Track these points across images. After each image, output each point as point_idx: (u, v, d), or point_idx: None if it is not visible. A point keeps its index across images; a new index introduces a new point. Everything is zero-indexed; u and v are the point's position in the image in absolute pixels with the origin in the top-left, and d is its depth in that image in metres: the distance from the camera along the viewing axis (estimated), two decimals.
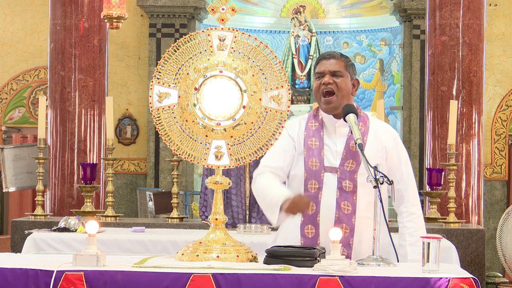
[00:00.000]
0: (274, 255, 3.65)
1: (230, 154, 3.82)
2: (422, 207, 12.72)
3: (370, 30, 14.12)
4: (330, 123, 4.19)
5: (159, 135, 4.49)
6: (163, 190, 11.82)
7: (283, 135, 4.11)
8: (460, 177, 8.27)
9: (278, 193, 4.00)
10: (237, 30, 3.87)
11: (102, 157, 8.64)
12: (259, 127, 3.83)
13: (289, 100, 3.82)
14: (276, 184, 4.10)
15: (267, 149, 3.85)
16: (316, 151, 4.14)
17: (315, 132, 4.18)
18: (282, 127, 3.85)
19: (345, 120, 4.10)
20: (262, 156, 4.01)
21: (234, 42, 3.83)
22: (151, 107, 3.83)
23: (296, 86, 13.98)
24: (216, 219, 3.82)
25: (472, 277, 3.37)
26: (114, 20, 7.53)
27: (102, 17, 7.65)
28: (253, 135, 3.83)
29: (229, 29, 3.85)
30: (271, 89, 3.83)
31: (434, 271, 3.44)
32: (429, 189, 7.25)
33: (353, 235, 4.07)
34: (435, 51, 8.51)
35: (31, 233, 6.13)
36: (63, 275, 3.41)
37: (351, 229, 4.07)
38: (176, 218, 7.03)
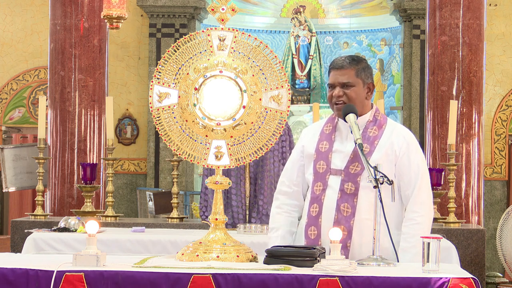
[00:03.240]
0: (274, 255, 3.65)
1: (230, 154, 3.82)
2: None
3: (370, 30, 14.12)
4: (344, 126, 4.21)
5: (159, 135, 4.49)
6: (163, 190, 11.82)
7: (297, 142, 4.38)
8: (460, 177, 8.27)
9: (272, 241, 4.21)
10: (237, 30, 3.87)
11: (102, 157, 8.64)
12: (259, 127, 3.83)
13: (289, 100, 3.82)
14: (277, 224, 4.29)
15: (267, 149, 3.85)
16: (325, 154, 4.17)
17: (328, 135, 4.22)
18: (282, 127, 3.85)
19: (345, 120, 4.10)
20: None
21: (234, 42, 3.83)
22: (151, 107, 3.83)
23: (296, 86, 13.97)
24: (216, 219, 3.82)
25: (472, 277, 3.37)
26: (114, 20, 7.52)
27: (102, 17, 7.65)
28: (253, 135, 3.83)
29: (229, 29, 3.85)
30: (271, 89, 3.83)
31: (434, 271, 3.44)
32: None
33: (351, 237, 4.07)
34: (435, 51, 8.51)
35: (31, 233, 6.13)
36: (63, 275, 3.41)
37: (349, 231, 4.07)
38: (176, 218, 7.03)
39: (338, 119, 4.23)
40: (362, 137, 4.11)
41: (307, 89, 14.01)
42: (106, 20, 7.64)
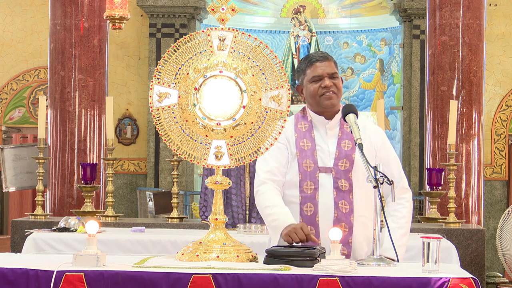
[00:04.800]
0: (274, 255, 3.65)
1: (230, 154, 3.82)
2: (422, 207, 12.59)
3: (370, 30, 14.12)
4: (321, 124, 4.19)
5: (159, 135, 4.48)
6: (163, 190, 11.83)
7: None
8: (460, 177, 8.27)
9: (282, 218, 3.99)
10: (237, 30, 3.86)
11: (102, 157, 8.64)
12: (259, 127, 3.83)
13: (289, 100, 3.82)
14: (280, 203, 4.07)
15: (267, 149, 3.84)
16: (309, 152, 4.14)
17: (306, 133, 4.18)
18: (282, 127, 3.84)
19: (345, 120, 4.10)
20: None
21: (234, 42, 3.83)
22: (151, 107, 3.83)
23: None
24: (216, 219, 3.82)
25: (472, 277, 3.37)
26: (116, 21, 7.53)
27: (104, 17, 7.65)
28: (253, 135, 3.82)
29: (229, 29, 3.85)
30: (271, 89, 3.82)
31: (434, 271, 3.44)
32: (429, 189, 7.25)
33: (352, 233, 4.09)
34: (435, 51, 8.51)
35: (31, 233, 6.13)
36: (63, 275, 3.41)
37: (349, 227, 4.09)
38: (176, 218, 7.03)
39: (311, 117, 4.20)
40: (341, 133, 4.14)
41: None
42: (108, 21, 7.65)
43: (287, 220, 3.96)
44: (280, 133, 3.84)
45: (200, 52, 3.83)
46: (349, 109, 4.09)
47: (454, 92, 8.41)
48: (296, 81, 4.29)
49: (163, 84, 3.82)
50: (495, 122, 12.49)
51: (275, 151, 4.11)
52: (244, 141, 3.83)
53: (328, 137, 4.18)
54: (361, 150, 3.93)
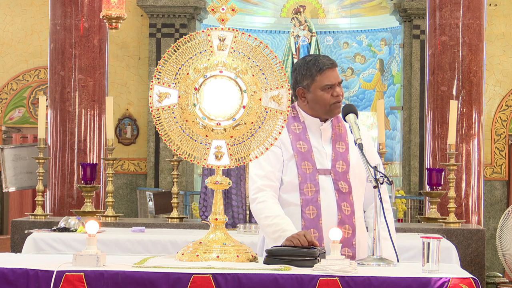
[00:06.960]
0: (274, 255, 3.65)
1: (230, 154, 3.82)
2: (422, 207, 12.57)
3: (370, 30, 14.12)
4: (315, 126, 4.16)
5: (159, 135, 4.49)
6: (163, 190, 11.83)
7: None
8: (460, 177, 8.27)
9: (284, 228, 3.96)
10: (237, 30, 3.86)
11: (102, 157, 8.64)
12: (259, 127, 3.82)
13: (289, 100, 3.82)
14: (281, 213, 4.03)
15: (267, 149, 3.84)
16: (307, 154, 4.11)
17: (301, 135, 4.15)
18: (282, 127, 3.84)
19: (345, 120, 4.10)
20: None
21: (234, 42, 3.83)
22: (151, 107, 3.83)
23: None
24: (216, 219, 3.82)
25: (472, 277, 3.37)
26: (113, 21, 7.53)
27: (101, 17, 7.66)
28: (253, 135, 3.82)
29: (229, 29, 3.85)
30: (271, 89, 3.82)
31: (434, 271, 3.44)
32: (429, 189, 7.25)
33: (355, 235, 4.07)
34: (435, 51, 8.51)
35: (31, 233, 6.14)
36: (63, 275, 3.41)
37: (353, 229, 4.07)
38: (176, 218, 7.03)
39: (304, 118, 4.17)
40: (334, 135, 4.13)
41: None
42: (105, 21, 7.65)
43: (289, 232, 3.92)
44: (280, 133, 3.83)
45: (200, 52, 3.83)
46: (349, 109, 4.08)
47: (454, 92, 8.41)
48: (296, 83, 4.22)
49: (163, 84, 3.82)
50: (495, 122, 12.49)
51: (270, 155, 4.07)
52: (244, 141, 3.82)
53: (322, 139, 4.15)
54: (361, 150, 3.92)
